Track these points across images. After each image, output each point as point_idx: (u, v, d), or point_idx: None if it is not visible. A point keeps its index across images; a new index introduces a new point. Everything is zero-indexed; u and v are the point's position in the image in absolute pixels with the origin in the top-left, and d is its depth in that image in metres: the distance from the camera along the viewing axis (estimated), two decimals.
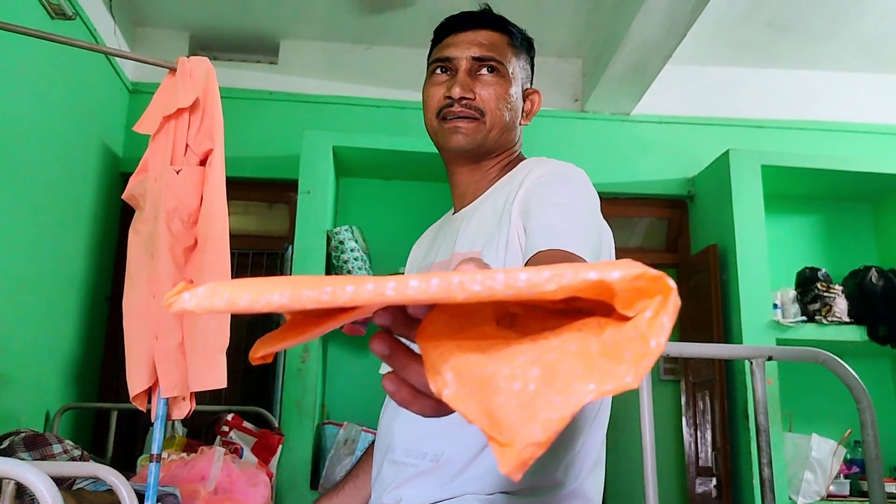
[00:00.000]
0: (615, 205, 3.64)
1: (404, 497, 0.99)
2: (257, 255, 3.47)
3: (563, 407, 0.35)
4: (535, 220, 1.00)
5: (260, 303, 0.38)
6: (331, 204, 3.29)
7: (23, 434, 2.18)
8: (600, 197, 1.12)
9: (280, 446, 2.82)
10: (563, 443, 0.97)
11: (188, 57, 1.65)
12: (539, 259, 0.92)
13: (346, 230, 3.19)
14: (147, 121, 1.63)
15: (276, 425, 2.96)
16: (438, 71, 1.22)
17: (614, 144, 3.70)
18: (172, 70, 1.65)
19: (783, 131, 3.77)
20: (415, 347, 0.45)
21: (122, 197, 1.66)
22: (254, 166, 3.49)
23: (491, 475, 0.96)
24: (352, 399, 3.32)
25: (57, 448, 2.19)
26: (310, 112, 3.62)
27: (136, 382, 1.51)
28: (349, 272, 3.17)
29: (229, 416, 2.82)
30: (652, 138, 3.72)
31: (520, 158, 1.24)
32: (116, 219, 3.51)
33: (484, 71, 1.18)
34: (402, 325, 0.44)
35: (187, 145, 1.60)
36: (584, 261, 0.90)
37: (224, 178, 1.62)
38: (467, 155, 1.18)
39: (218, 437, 2.78)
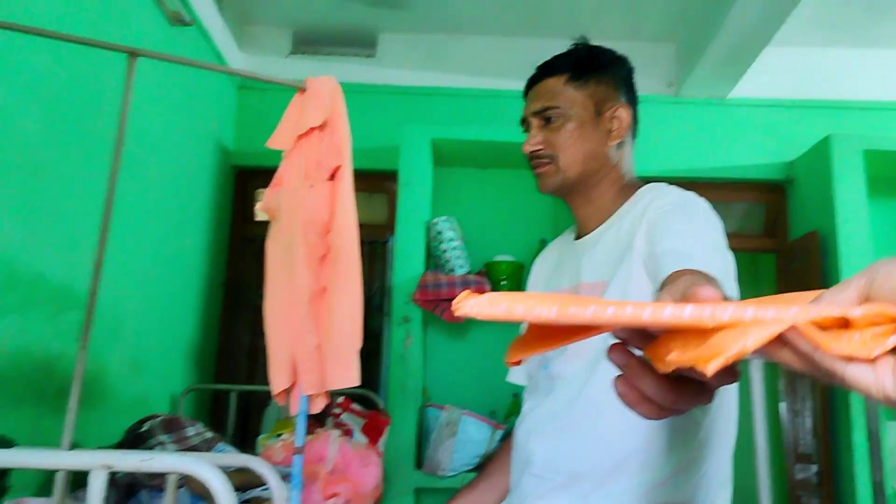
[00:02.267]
0: (711, 189, 3.61)
1: None
2: (360, 244, 3.61)
3: (772, 325, 0.42)
4: (664, 246, 1.05)
5: (532, 314, 0.45)
6: (429, 195, 3.40)
7: (160, 418, 2.38)
8: (696, 182, 1.19)
9: (387, 427, 2.98)
10: (694, 462, 1.05)
11: (315, 78, 1.77)
12: (672, 279, 0.96)
13: (444, 220, 3.29)
14: (279, 137, 1.76)
15: (383, 407, 3.12)
16: (524, 129, 1.37)
17: (710, 129, 3.67)
18: (301, 89, 1.77)
19: (887, 113, 3.66)
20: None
21: (259, 208, 1.80)
22: (354, 158, 3.62)
23: (626, 493, 1.05)
24: (451, 383, 3.45)
25: (191, 430, 2.39)
26: (407, 103, 3.72)
27: (277, 381, 1.66)
28: (447, 261, 3.28)
29: (340, 399, 2.99)
30: (749, 122, 3.68)
31: (633, 183, 1.29)
32: (229, 210, 3.72)
33: (547, 120, 1.30)
34: (638, 338, 0.52)
35: (318, 161, 1.72)
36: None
37: (353, 192, 1.74)
38: (560, 193, 1.30)
39: (330, 419, 2.95)
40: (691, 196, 1.16)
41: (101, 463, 1.18)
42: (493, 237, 3.58)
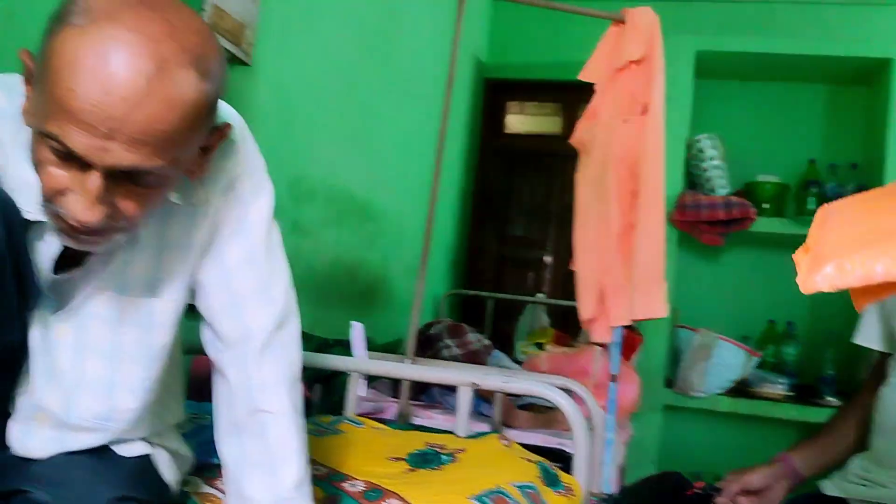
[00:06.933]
0: None
1: None
2: None
3: None
4: None
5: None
6: (689, 110, 3.29)
7: (445, 323, 2.60)
8: None
9: (640, 345, 3.04)
10: None
11: (633, 9, 1.75)
12: None
13: (706, 138, 3.18)
14: (592, 69, 1.78)
15: (635, 326, 3.17)
16: None
17: None
18: (618, 21, 1.76)
19: None
20: None
21: (570, 141, 1.85)
22: None
23: None
24: (703, 305, 3.42)
25: (472, 336, 2.59)
26: (669, 11, 3.56)
27: (586, 309, 1.75)
28: (707, 181, 3.19)
29: None
30: None
31: None
32: (480, 121, 3.83)
33: None
34: None
35: (633, 95, 1.73)
36: None
37: (663, 127, 1.74)
38: None
39: (583, 332, 3.05)
40: None
41: (469, 381, 1.33)
42: (756, 155, 3.42)
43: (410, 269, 3.06)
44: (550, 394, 1.32)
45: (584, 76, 1.80)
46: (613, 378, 1.75)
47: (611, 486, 1.80)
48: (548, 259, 3.71)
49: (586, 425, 1.29)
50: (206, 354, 0.94)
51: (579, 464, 1.28)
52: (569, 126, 3.62)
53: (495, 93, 3.86)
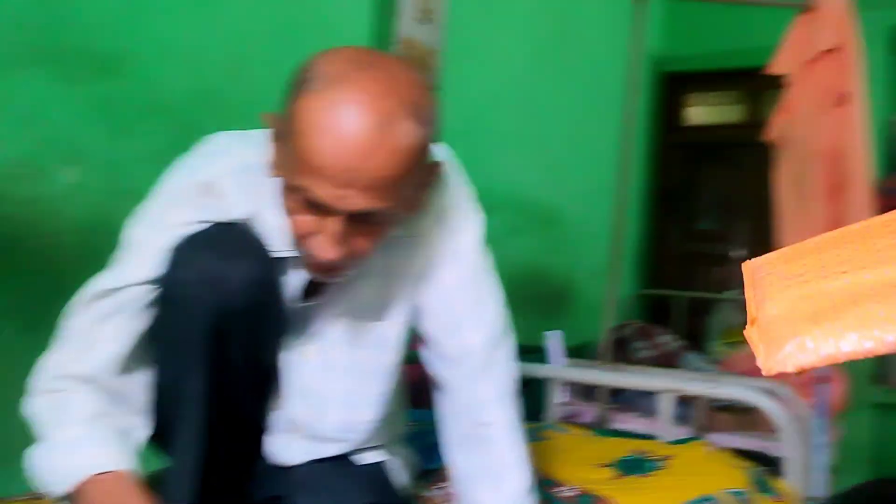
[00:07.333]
0: None
1: None
2: None
3: None
4: None
5: (865, 346, 0.35)
6: (886, 89, 3.06)
7: (635, 325, 2.61)
8: None
9: None
10: None
11: None
12: None
13: None
14: (782, 61, 1.73)
15: None
16: None
17: None
18: (806, 10, 1.70)
19: None
20: None
21: (767, 138, 1.81)
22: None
23: None
24: None
25: (663, 339, 2.58)
26: None
27: None
28: None
29: None
30: None
31: None
32: (658, 116, 3.76)
33: None
34: None
35: (830, 86, 1.66)
36: None
37: (866, 118, 1.66)
38: None
39: None
40: None
41: (673, 388, 1.36)
42: None
43: (595, 271, 3.09)
44: (757, 399, 1.32)
45: (773, 69, 1.75)
46: (822, 380, 1.69)
47: (821, 489, 1.74)
48: (737, 253, 3.57)
49: (796, 429, 1.27)
50: (412, 364, 1.04)
51: (791, 468, 1.27)
52: (753, 114, 3.49)
53: (672, 85, 3.78)
